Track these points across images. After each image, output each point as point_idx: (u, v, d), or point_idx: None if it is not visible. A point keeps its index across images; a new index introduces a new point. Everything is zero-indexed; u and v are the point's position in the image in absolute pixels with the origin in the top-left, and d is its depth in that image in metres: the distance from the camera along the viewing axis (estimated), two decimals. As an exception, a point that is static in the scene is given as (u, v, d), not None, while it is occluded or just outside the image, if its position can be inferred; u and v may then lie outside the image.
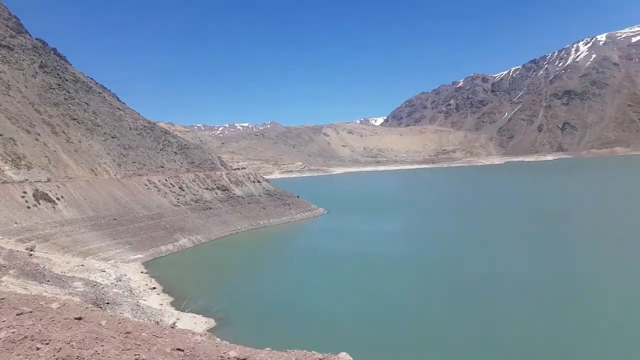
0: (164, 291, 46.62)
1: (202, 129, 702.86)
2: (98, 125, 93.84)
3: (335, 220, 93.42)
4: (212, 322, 35.64)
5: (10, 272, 35.48)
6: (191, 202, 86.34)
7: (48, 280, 36.60)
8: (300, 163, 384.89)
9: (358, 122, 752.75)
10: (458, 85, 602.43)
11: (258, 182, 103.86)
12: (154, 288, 47.07)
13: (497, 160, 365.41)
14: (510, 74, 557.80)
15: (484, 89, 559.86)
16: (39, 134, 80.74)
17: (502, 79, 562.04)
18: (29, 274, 36.99)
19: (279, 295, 45.49)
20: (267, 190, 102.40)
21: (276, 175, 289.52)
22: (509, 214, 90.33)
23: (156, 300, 41.64)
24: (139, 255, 63.60)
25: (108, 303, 33.43)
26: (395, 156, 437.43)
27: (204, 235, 77.74)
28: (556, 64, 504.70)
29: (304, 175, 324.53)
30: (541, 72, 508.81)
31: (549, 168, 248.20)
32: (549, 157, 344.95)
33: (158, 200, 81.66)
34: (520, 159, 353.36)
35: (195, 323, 34.86)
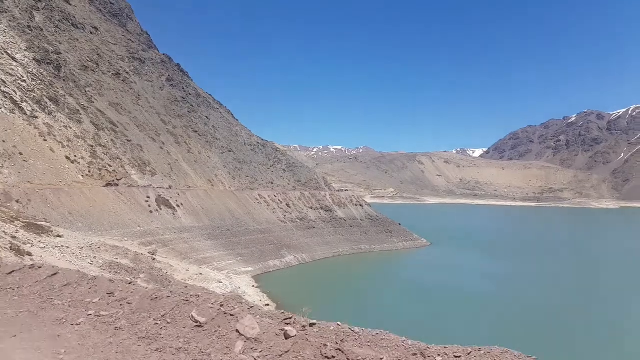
0: (277, 308, 44.73)
1: (298, 149, 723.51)
2: (217, 139, 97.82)
3: (441, 253, 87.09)
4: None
5: (141, 276, 35.60)
6: (297, 220, 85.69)
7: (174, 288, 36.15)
8: (392, 189, 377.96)
9: (455, 152, 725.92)
10: (570, 121, 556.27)
11: (360, 205, 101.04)
12: (267, 305, 45.44)
13: (610, 204, 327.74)
14: (630, 112, 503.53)
15: (598, 126, 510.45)
16: (163, 143, 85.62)
17: (619, 117, 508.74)
18: (157, 279, 36.96)
19: (381, 318, 41.49)
20: (369, 214, 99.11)
21: (367, 199, 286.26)
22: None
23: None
24: (250, 269, 63.27)
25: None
26: (495, 190, 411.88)
27: (308, 254, 76.15)
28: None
29: (396, 202, 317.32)
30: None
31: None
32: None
33: (267, 215, 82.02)
34: (637, 204, 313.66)
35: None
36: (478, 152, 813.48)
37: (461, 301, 52.78)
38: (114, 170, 68.46)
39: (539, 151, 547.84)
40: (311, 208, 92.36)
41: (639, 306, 52.93)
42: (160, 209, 67.83)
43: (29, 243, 30.76)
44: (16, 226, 33.46)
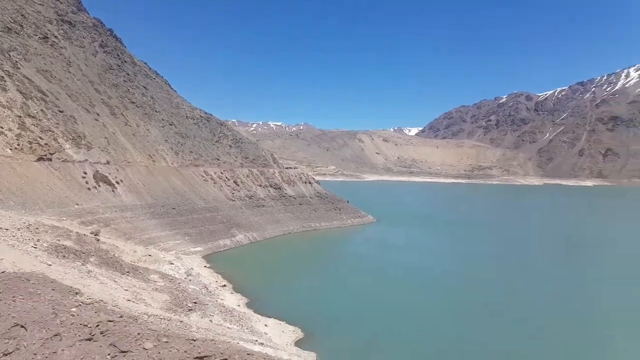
0: (234, 289, 43.36)
1: (237, 124, 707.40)
2: (156, 111, 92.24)
3: (386, 229, 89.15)
4: (299, 332, 32.01)
5: (91, 259, 32.69)
6: (245, 198, 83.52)
7: (128, 272, 33.68)
8: (333, 167, 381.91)
9: (392, 130, 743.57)
10: (500, 101, 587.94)
11: (309, 183, 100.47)
12: (224, 286, 43.87)
13: (535, 181, 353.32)
14: (556, 94, 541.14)
15: (527, 107, 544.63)
16: (98, 114, 79.25)
17: (546, 98, 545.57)
18: (109, 263, 34.16)
19: (349, 302, 41.73)
20: (318, 192, 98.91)
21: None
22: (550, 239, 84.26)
23: (232, 301, 38.30)
24: (199, 248, 60.79)
25: (195, 303, 30.13)
26: (430, 168, 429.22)
27: (258, 233, 74.63)
28: (604, 88, 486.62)
29: (338, 179, 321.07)
30: (588, 95, 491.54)
31: (597, 194, 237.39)
32: (589, 183, 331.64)
33: (214, 193, 79.08)
34: (558, 182, 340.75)
35: (282, 332, 31.32)
36: (414, 131, 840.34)
37: (408, 275, 54.26)
38: (45, 144, 62.27)
39: (471, 130, 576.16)
40: (260, 186, 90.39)
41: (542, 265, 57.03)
42: (99, 186, 63.02)
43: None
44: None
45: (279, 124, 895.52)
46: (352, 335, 33.24)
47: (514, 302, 44.46)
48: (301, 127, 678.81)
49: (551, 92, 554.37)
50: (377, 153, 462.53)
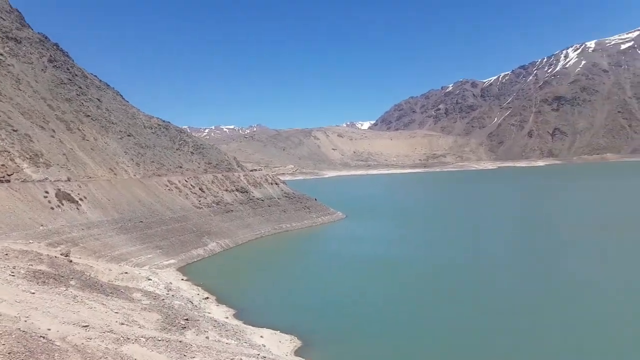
0: (218, 301, 43.13)
1: (189, 130, 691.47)
2: (113, 123, 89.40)
3: (357, 225, 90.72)
4: (296, 341, 32.39)
5: (72, 282, 31.82)
6: (213, 205, 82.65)
7: (111, 293, 32.99)
8: (292, 166, 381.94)
9: (345, 125, 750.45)
10: (447, 90, 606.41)
11: (275, 184, 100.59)
12: (207, 298, 43.57)
13: (489, 165, 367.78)
14: (500, 79, 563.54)
15: (473, 94, 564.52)
16: (54, 131, 76.06)
17: (491, 84, 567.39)
18: (90, 285, 33.32)
19: (337, 302, 42.55)
20: (285, 192, 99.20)
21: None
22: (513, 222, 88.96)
23: (220, 313, 38.21)
24: (172, 261, 59.80)
25: (187, 320, 30.01)
26: (386, 160, 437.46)
27: (230, 239, 74.16)
28: (545, 69, 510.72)
29: (297, 178, 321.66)
30: (530, 77, 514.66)
31: (549, 174, 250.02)
32: (540, 163, 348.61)
33: (181, 202, 77.79)
34: (511, 164, 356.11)
35: (280, 342, 31.66)
36: (366, 125, 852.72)
37: (389, 268, 55.74)
38: (2, 165, 59.22)
39: (422, 120, 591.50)
40: (226, 190, 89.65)
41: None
42: (62, 204, 60.70)
43: None
44: None
45: (231, 127, 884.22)
46: (349, 338, 33.89)
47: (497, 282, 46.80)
48: (255, 129, 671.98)
49: (495, 77, 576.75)
50: (333, 149, 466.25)
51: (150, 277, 45.70)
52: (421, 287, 47.37)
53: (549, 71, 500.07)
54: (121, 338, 22.65)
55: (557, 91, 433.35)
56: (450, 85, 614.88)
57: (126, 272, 45.23)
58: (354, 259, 61.51)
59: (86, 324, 22.81)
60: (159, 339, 24.00)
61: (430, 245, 69.58)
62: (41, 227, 54.29)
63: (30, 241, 48.79)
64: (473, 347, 31.29)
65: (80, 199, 63.95)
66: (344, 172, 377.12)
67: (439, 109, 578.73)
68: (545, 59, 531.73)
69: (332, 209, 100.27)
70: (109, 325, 23.66)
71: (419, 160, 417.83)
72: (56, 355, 18.31)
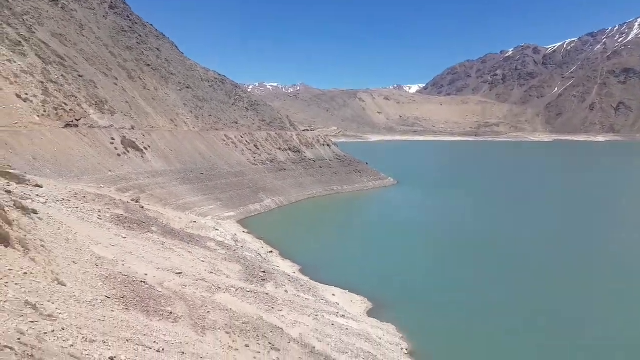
0: (282, 255, 43.36)
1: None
2: (172, 74, 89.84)
3: (410, 191, 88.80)
4: (367, 302, 31.98)
5: (153, 229, 32.26)
6: (267, 162, 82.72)
7: (190, 241, 33.32)
8: (335, 128, 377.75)
9: (392, 88, 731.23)
10: (507, 55, 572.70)
11: (328, 145, 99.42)
12: (271, 252, 43.87)
13: (545, 137, 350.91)
14: (564, 46, 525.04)
15: (534, 60, 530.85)
16: (116, 78, 77.16)
17: (554, 51, 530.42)
18: (168, 231, 33.77)
19: (400, 268, 41.74)
20: (337, 155, 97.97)
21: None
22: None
23: (287, 267, 38.32)
24: (232, 213, 60.62)
25: (264, 272, 29.96)
26: (434, 126, 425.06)
27: (284, 197, 74.33)
28: (616, 38, 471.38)
29: (340, 140, 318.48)
30: (598, 46, 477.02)
31: (610, 151, 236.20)
32: (600, 138, 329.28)
33: (237, 157, 78.21)
34: (568, 137, 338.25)
35: (352, 301, 31.31)
36: (414, 88, 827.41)
37: (447, 235, 54.36)
38: (71, 110, 60.76)
39: (476, 86, 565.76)
40: (279, 149, 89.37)
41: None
42: (128, 152, 62.08)
43: (28, 198, 26.25)
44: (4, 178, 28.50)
45: (275, 84, 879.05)
46: (419, 301, 33.32)
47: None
48: (299, 88, 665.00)
49: (560, 44, 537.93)
50: (378, 112, 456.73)
51: (217, 228, 46.27)
52: (480, 257, 45.77)
53: (619, 40, 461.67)
54: (213, 287, 22.65)
55: (627, 62, 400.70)
56: (510, 50, 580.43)
57: (194, 221, 45.95)
58: (410, 225, 60.30)
59: (179, 271, 22.90)
60: (248, 290, 23.94)
61: (491, 216, 67.25)
62: (109, 173, 55.80)
63: (101, 185, 50.16)
64: (538, 317, 29.87)
65: (145, 148, 65.17)
66: (388, 137, 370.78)
67: (496, 75, 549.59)
68: (617, 27, 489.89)
69: (383, 174, 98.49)
70: (200, 274, 23.71)
71: (470, 128, 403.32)
72: (162, 301, 18.32)
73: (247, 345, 17.40)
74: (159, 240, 27.79)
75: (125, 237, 25.45)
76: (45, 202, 26.74)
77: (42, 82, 60.40)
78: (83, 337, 10.55)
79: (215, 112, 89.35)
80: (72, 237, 22.59)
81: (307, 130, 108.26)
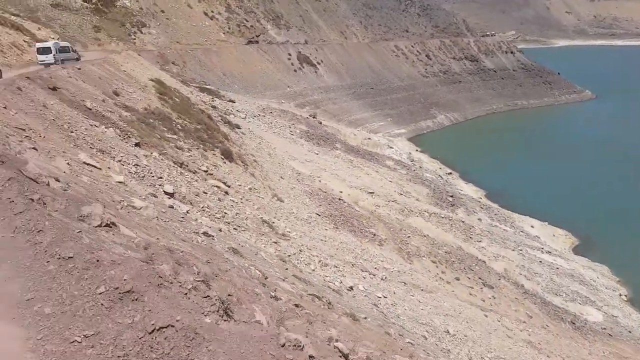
0: (462, 178, 40.60)
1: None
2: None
3: (612, 107, 74.24)
4: (571, 237, 28.07)
5: (337, 145, 32.45)
6: (439, 74, 77.04)
7: (370, 159, 32.88)
8: (513, 32, 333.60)
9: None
10: None
11: (511, 52, 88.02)
12: (450, 173, 41.42)
13: None
14: None
15: None
16: (289, -9, 77.49)
17: None
18: (350, 148, 33.76)
19: (604, 200, 35.44)
20: (522, 63, 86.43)
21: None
22: None
23: (471, 191, 35.71)
24: (402, 130, 58.86)
25: (452, 197, 28.06)
26: (637, 28, 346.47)
27: (459, 113, 69.18)
28: None
29: (519, 47, 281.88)
30: None
31: None
32: None
33: (407, 70, 74.32)
34: None
35: (553, 235, 27.79)
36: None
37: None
38: (251, 26, 63.63)
39: None
40: (454, 59, 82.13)
41: None
42: (303, 67, 63.39)
43: (230, 113, 28.18)
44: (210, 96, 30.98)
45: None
46: (634, 239, 28.15)
47: None
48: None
49: None
50: (567, 12, 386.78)
51: (390, 145, 45.32)
52: None
53: None
54: (405, 209, 21.74)
55: None
56: None
57: (369, 138, 45.62)
58: (614, 147, 50.69)
59: (371, 191, 22.44)
60: (442, 216, 22.55)
61: None
62: (288, 89, 58.05)
63: (282, 101, 52.52)
64: None
65: (318, 63, 65.74)
66: (578, 42, 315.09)
67: None
68: None
69: (579, 87, 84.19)
70: (391, 195, 23.00)
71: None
72: (363, 221, 17.97)
73: (457, 279, 16.24)
74: (346, 157, 27.73)
75: (317, 154, 25.79)
76: (245, 118, 28.33)
77: None
78: (319, 261, 10.31)
79: (385, 20, 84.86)
80: (272, 151, 23.53)
81: (486, 35, 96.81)
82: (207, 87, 41.40)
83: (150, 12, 55.47)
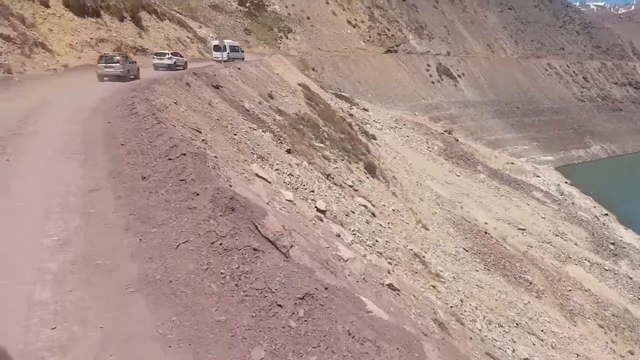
0: (620, 221, 34.45)
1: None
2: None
3: None
4: None
5: (479, 168, 29.66)
6: (597, 99, 68.16)
7: (517, 187, 29.38)
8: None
9: None
10: None
11: (692, 80, 74.49)
12: (607, 215, 35.39)
13: None
14: None
15: None
16: (436, 1, 74.69)
17: None
18: (493, 173, 30.71)
19: None
20: None
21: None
22: None
23: (632, 239, 30.00)
24: (549, 157, 52.83)
25: (613, 244, 23.61)
26: None
27: (617, 144, 60.34)
28: None
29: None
30: None
31: None
32: None
33: (560, 91, 66.94)
34: None
35: None
36: None
37: None
38: (392, 35, 62.54)
39: None
40: (615, 84, 72.22)
41: None
42: (442, 79, 60.47)
43: (367, 123, 27.18)
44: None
45: (600, 4, 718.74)
46: None
47: None
48: (633, 8, 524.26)
49: None
50: None
51: (537, 174, 40.47)
52: None
53: None
54: (562, 254, 18.49)
55: None
56: None
57: (512, 163, 41.37)
58: None
59: (522, 227, 19.57)
60: (605, 268, 18.82)
61: None
62: (423, 101, 55.65)
63: (415, 113, 50.35)
64: None
65: (459, 75, 62.23)
66: None
67: None
68: None
69: None
70: (544, 234, 19.84)
71: None
72: (516, 264, 15.42)
73: (631, 353, 12.99)
74: (492, 184, 24.91)
75: (459, 176, 23.49)
76: (381, 129, 27.07)
77: (369, 8, 63.44)
78: (484, 317, 8.47)
79: (539, 36, 77.72)
80: (409, 167, 21.86)
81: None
82: (343, 94, 41.15)
83: (297, 18, 57.30)
